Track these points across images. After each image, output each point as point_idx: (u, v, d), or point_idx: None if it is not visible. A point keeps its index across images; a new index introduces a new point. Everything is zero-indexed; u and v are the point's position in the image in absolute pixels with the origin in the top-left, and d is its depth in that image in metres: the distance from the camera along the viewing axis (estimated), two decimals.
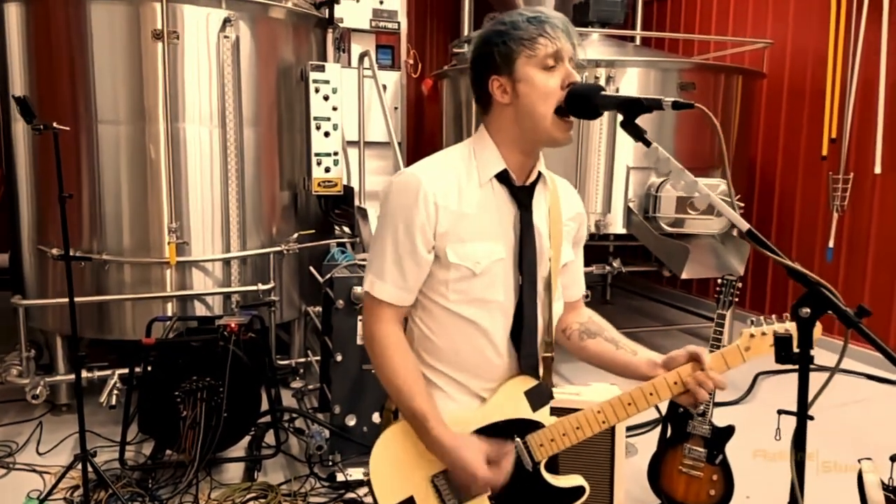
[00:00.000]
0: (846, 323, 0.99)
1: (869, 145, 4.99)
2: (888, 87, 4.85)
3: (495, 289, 1.57)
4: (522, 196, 1.59)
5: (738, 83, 5.09)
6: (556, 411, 1.65)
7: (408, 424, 1.59)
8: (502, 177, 1.57)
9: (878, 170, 4.92)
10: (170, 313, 3.89)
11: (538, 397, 1.62)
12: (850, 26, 5.05)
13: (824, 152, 5.27)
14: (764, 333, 1.54)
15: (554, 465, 1.68)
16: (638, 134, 1.23)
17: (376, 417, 3.37)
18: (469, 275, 1.55)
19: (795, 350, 1.06)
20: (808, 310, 1.02)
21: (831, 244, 5.32)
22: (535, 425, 1.61)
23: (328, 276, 3.51)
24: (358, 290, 3.24)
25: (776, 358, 1.09)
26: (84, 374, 3.77)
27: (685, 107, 1.15)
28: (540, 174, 1.63)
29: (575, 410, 1.63)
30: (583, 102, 1.38)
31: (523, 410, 1.61)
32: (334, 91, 4.24)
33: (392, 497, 1.58)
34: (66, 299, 3.66)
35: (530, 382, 1.63)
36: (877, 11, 4.88)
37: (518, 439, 1.59)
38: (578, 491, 1.65)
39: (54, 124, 2.57)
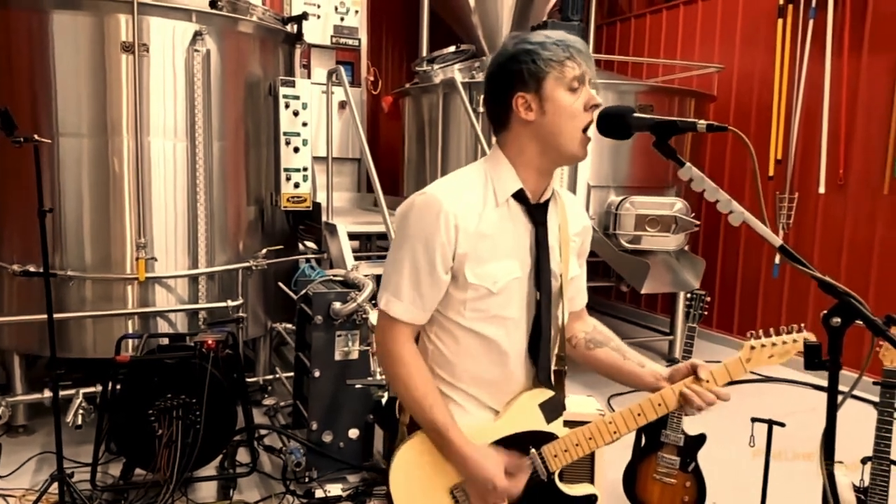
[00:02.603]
0: (874, 331, 1.07)
1: (813, 166, 5.26)
2: (831, 111, 5.13)
3: (511, 306, 1.61)
4: (538, 213, 1.62)
5: (691, 105, 5.31)
6: None
7: (424, 437, 1.61)
8: (518, 195, 1.59)
9: (822, 189, 5.19)
10: (131, 331, 3.81)
11: (552, 409, 1.66)
12: (795, 53, 5.34)
13: (771, 172, 5.53)
14: (763, 346, 1.63)
15: (561, 475, 1.72)
16: (671, 154, 1.30)
17: (353, 433, 3.38)
18: (486, 294, 1.57)
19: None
20: (839, 319, 1.10)
21: (777, 260, 5.57)
22: (550, 437, 1.65)
23: (303, 292, 3.51)
24: (337, 305, 3.24)
25: (806, 365, 1.16)
26: (47, 393, 3.67)
27: (719, 129, 1.22)
28: (553, 191, 1.68)
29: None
30: (615, 123, 1.44)
31: (538, 423, 1.65)
32: (304, 107, 4.25)
33: None
34: (27, 317, 3.62)
35: (544, 395, 1.67)
36: (820, 40, 5.17)
37: (534, 451, 1.63)
38: (591, 499, 1.71)
39: (35, 136, 2.51)
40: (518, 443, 1.63)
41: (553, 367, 1.71)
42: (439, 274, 1.55)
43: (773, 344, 1.64)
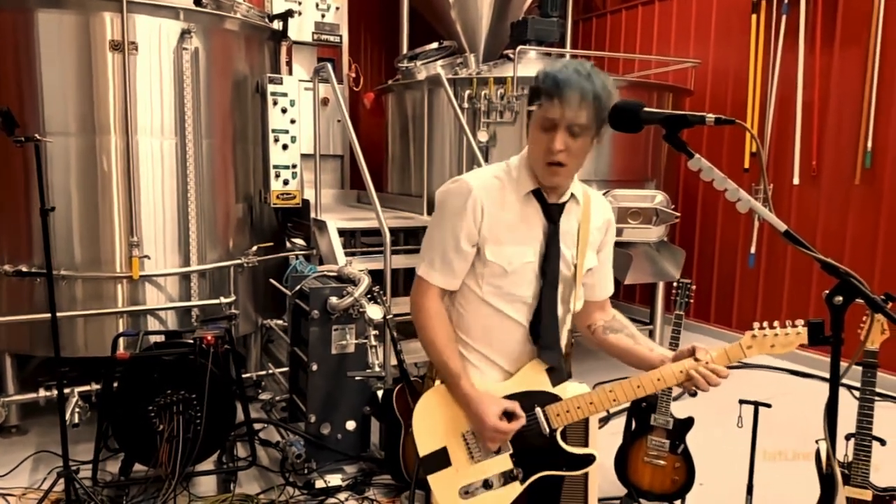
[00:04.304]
0: (874, 308, 1.16)
1: (787, 158, 5.42)
2: (804, 104, 5.29)
3: (523, 286, 1.81)
4: (553, 212, 1.81)
5: (669, 100, 5.43)
6: None
7: (444, 389, 1.85)
8: (537, 193, 1.79)
9: (796, 181, 5.34)
10: (122, 329, 3.82)
11: (558, 375, 1.85)
12: (769, 48, 5.48)
13: (746, 165, 5.68)
14: (766, 335, 1.73)
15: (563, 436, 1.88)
16: (681, 146, 1.38)
17: (350, 425, 3.44)
18: (501, 272, 1.79)
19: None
20: (841, 298, 1.19)
21: (753, 250, 5.73)
22: (554, 398, 1.83)
23: (298, 287, 3.55)
24: (334, 300, 3.29)
25: (810, 341, 1.25)
26: (42, 392, 3.67)
27: (727, 122, 1.30)
28: (573, 194, 1.83)
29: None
30: (627, 117, 1.52)
31: (544, 384, 1.84)
32: (292, 104, 4.28)
33: (429, 445, 1.83)
34: (25, 317, 3.63)
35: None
36: (793, 35, 5.32)
37: (538, 408, 1.81)
38: (589, 458, 1.88)
39: (36, 135, 2.52)
40: (524, 400, 1.82)
41: (560, 345, 1.87)
42: (464, 248, 1.79)
43: (776, 334, 1.73)
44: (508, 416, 1.76)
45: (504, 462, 1.81)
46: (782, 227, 1.26)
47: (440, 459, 1.82)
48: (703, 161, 1.32)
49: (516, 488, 1.82)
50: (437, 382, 1.88)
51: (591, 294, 1.98)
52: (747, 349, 1.74)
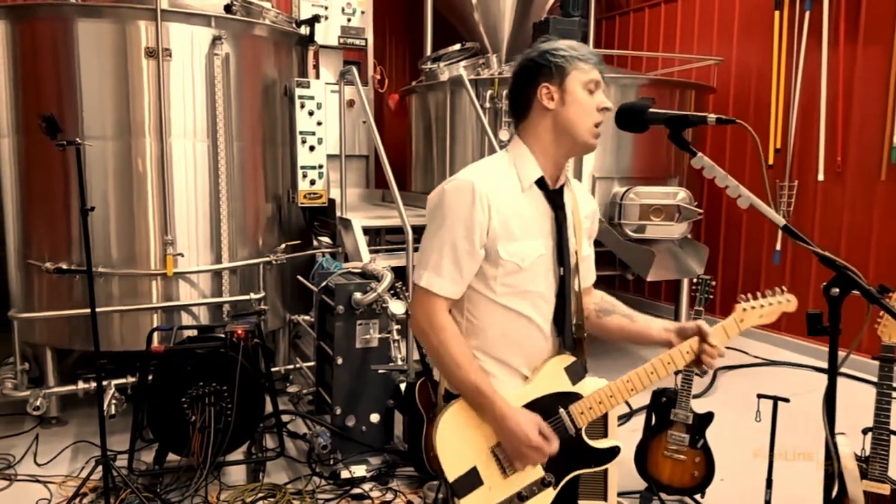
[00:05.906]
0: (870, 299, 1.21)
1: (812, 155, 5.41)
2: (828, 100, 5.27)
3: (537, 281, 1.78)
4: (556, 199, 1.79)
5: (692, 97, 5.44)
6: None
7: (462, 404, 1.76)
8: (539, 182, 1.77)
9: (820, 177, 5.33)
10: (156, 324, 3.95)
11: (576, 372, 1.84)
12: (793, 45, 5.48)
13: (770, 161, 5.68)
14: (753, 307, 1.83)
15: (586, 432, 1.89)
16: (684, 145, 1.44)
17: (374, 418, 3.53)
18: (516, 269, 1.74)
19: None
20: (837, 290, 1.24)
21: (778, 247, 5.72)
22: (576, 396, 1.82)
23: (324, 283, 3.66)
24: (358, 295, 3.39)
25: (809, 331, 1.31)
26: (81, 385, 3.82)
27: (727, 122, 1.36)
28: (567, 179, 1.85)
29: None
30: (633, 117, 1.59)
31: (564, 384, 1.82)
32: (319, 106, 4.40)
33: (457, 469, 1.73)
34: (65, 312, 3.78)
35: (568, 360, 1.84)
36: (816, 31, 5.31)
37: (562, 409, 1.80)
38: (614, 451, 1.89)
39: (77, 139, 2.65)
40: (548, 403, 1.79)
41: (574, 336, 1.88)
42: (476, 249, 1.70)
43: (762, 305, 1.83)
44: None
45: (535, 471, 1.78)
46: (781, 221, 1.32)
47: (472, 480, 1.74)
48: (706, 159, 1.38)
49: (550, 494, 1.80)
50: (444, 397, 1.83)
51: (584, 281, 1.95)
52: (740, 322, 1.82)
